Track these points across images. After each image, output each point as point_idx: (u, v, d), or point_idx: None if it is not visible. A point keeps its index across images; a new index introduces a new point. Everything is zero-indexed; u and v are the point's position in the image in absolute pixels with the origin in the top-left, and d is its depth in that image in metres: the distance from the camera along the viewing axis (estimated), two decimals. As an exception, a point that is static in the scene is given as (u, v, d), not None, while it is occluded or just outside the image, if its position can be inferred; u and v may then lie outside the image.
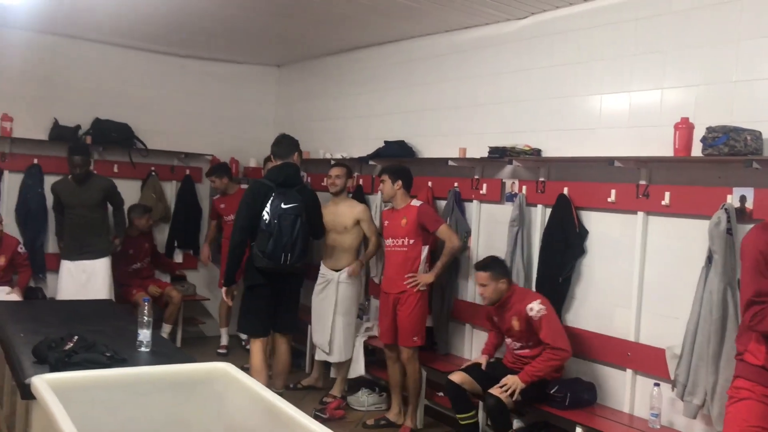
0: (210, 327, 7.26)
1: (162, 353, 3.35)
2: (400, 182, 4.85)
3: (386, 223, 4.99)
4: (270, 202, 4.51)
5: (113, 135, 6.66)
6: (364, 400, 5.36)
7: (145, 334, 3.32)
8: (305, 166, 6.92)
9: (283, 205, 4.50)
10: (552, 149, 4.58)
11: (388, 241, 4.93)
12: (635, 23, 4.16)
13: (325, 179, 5.59)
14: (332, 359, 5.48)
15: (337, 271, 5.41)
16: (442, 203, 5.31)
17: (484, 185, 5.00)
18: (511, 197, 4.80)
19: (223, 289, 4.91)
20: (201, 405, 2.98)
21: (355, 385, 5.53)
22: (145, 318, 3.33)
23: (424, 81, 5.66)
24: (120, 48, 6.81)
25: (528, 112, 4.79)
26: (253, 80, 7.61)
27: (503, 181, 4.91)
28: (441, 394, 5.07)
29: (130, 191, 6.80)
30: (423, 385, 4.98)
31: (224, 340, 6.75)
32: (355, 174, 6.25)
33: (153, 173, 6.96)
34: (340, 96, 6.68)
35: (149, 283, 6.51)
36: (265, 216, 4.48)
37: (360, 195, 6.12)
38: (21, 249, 5.93)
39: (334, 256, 5.45)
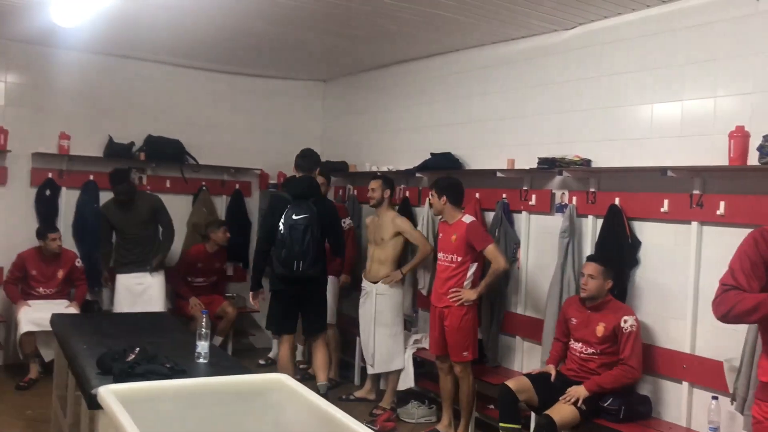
0: (259, 339, 7.35)
1: (219, 365, 3.42)
2: (445, 197, 4.84)
3: (440, 235, 5.00)
4: (284, 213, 4.79)
5: (165, 151, 6.83)
6: (414, 412, 5.37)
7: (203, 346, 3.39)
8: (351, 179, 7.03)
9: (294, 216, 4.78)
10: (602, 159, 4.55)
11: (440, 255, 4.93)
12: (687, 31, 4.12)
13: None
14: (374, 371, 5.53)
15: (375, 282, 5.45)
16: (490, 215, 5.31)
17: (533, 196, 4.98)
18: (561, 208, 4.78)
19: (250, 293, 5.21)
20: (258, 416, 3.03)
21: (405, 397, 5.54)
22: (203, 330, 3.40)
23: (470, 93, 5.68)
24: (171, 66, 6.99)
25: (577, 123, 4.77)
26: (300, 95, 7.73)
27: (553, 191, 4.89)
28: (492, 407, 5.05)
29: (182, 206, 6.97)
30: (473, 398, 4.96)
31: (273, 353, 6.79)
32: (401, 186, 6.30)
33: (204, 188, 7.10)
34: (387, 109, 6.74)
35: (206, 300, 6.49)
36: (280, 226, 4.78)
37: (407, 207, 6.15)
38: (78, 263, 6.11)
39: (372, 268, 5.51)
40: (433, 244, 5.69)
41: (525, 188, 5.07)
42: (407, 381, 5.47)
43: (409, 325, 5.89)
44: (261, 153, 7.42)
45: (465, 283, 4.76)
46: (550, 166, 4.63)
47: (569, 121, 4.83)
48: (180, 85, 7.12)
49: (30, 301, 5.85)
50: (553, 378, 4.25)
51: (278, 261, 4.81)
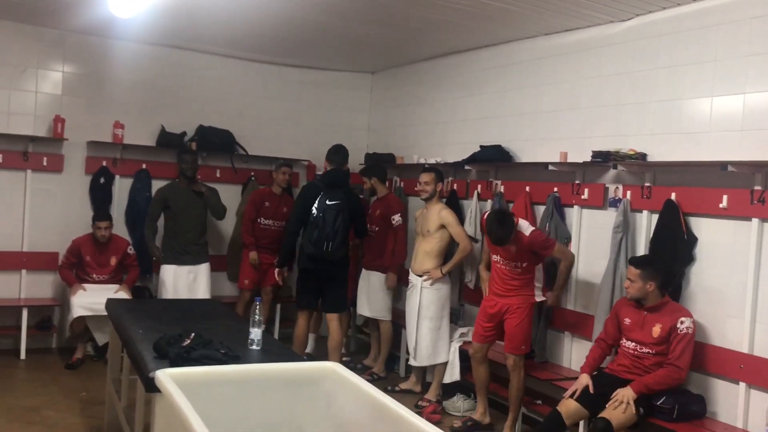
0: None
1: (272, 351, 3.44)
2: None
3: (495, 258, 4.92)
4: (318, 199, 5.25)
5: (216, 141, 6.92)
6: (459, 405, 5.35)
7: (256, 333, 3.42)
8: (398, 171, 7.02)
9: (328, 202, 5.26)
10: (658, 154, 4.45)
11: (495, 257, 4.86)
12: (749, 22, 4.00)
13: (417, 185, 5.62)
14: (417, 363, 5.53)
15: (421, 275, 5.45)
16: (540, 208, 5.25)
17: (586, 190, 4.90)
18: (614, 202, 4.70)
19: (276, 269, 5.63)
20: (311, 403, 3.06)
21: (450, 390, 5.52)
22: (257, 317, 3.43)
23: (522, 84, 5.61)
24: (223, 57, 7.08)
25: (632, 116, 4.67)
26: (348, 87, 7.75)
27: (606, 186, 4.80)
28: (539, 402, 5.01)
29: (231, 196, 7.05)
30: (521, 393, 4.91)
31: (311, 343, 6.77)
32: (449, 179, 6.28)
33: (252, 178, 7.17)
34: (435, 101, 6.70)
35: (267, 261, 6.50)
36: (314, 211, 5.25)
37: (454, 200, 6.12)
38: (130, 250, 6.23)
39: (418, 260, 5.51)
40: (481, 238, 5.67)
41: (577, 182, 4.99)
42: (453, 374, 5.45)
43: (455, 318, 5.86)
44: (308, 144, 7.45)
45: (537, 285, 4.81)
46: (604, 159, 4.55)
47: (624, 114, 4.73)
48: (231, 76, 7.20)
49: (84, 285, 5.99)
50: (591, 389, 4.13)
51: (309, 241, 5.25)
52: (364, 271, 6.26)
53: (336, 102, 7.69)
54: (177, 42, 6.70)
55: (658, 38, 4.53)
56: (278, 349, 3.58)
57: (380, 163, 6.55)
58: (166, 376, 2.71)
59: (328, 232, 5.23)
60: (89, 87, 6.58)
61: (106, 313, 5.75)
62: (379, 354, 6.34)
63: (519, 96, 5.64)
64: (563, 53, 5.25)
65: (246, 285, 6.55)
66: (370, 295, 6.12)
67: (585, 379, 4.19)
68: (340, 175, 5.52)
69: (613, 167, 4.60)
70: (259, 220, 6.57)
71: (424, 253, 5.46)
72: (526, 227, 4.66)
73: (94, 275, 6.06)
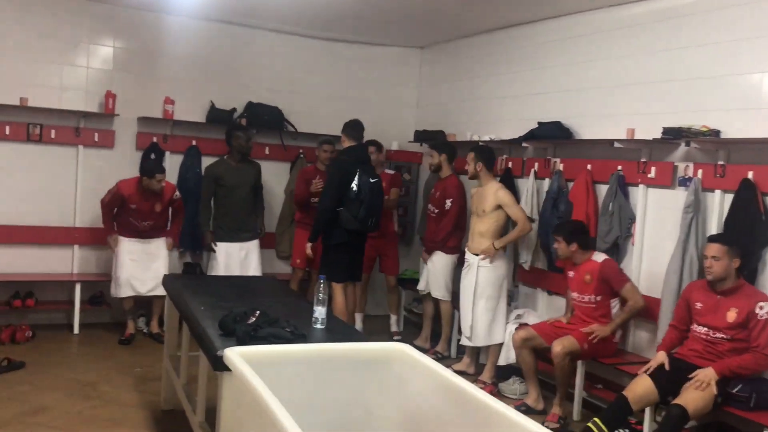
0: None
1: (336, 330, 3.36)
2: (575, 244, 4.72)
3: (571, 274, 4.82)
4: (358, 176, 5.26)
5: (265, 118, 6.83)
6: (515, 388, 5.24)
7: (320, 312, 3.34)
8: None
9: (371, 180, 5.35)
10: (733, 130, 4.24)
11: (574, 294, 4.79)
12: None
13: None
14: (473, 344, 5.43)
15: (477, 255, 5.32)
16: (603, 187, 5.07)
17: (653, 168, 4.71)
18: (684, 181, 4.50)
19: (309, 244, 5.60)
20: (379, 385, 2.96)
21: (505, 372, 5.41)
22: (321, 295, 3.35)
23: (585, 59, 5.40)
24: (272, 32, 6.97)
25: (704, 91, 4.46)
26: (396, 62, 7.59)
27: (675, 164, 4.60)
28: (600, 386, 4.87)
29: (279, 173, 6.99)
30: (581, 377, 4.78)
31: (358, 322, 6.59)
32: (504, 156, 6.12)
33: (301, 155, 7.08)
34: (488, 76, 6.52)
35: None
36: (354, 187, 5.24)
37: (509, 178, 5.96)
38: (176, 195, 6.04)
39: (474, 240, 5.40)
40: (537, 219, 5.52)
41: (643, 160, 4.79)
42: (508, 356, 5.33)
43: (510, 299, 5.73)
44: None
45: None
46: (675, 136, 4.35)
47: (695, 89, 4.51)
48: (280, 51, 7.09)
49: (125, 242, 5.89)
50: (667, 366, 3.99)
51: (355, 218, 5.28)
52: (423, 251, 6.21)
53: (385, 78, 7.55)
54: (228, 17, 6.61)
55: (734, 8, 4.31)
56: (342, 328, 3.49)
57: (452, 143, 6.32)
58: (236, 355, 2.64)
59: (374, 209, 5.36)
60: (140, 62, 6.54)
61: (150, 294, 5.91)
62: (430, 334, 6.31)
63: (582, 70, 5.43)
64: (630, 25, 5.03)
65: (298, 264, 6.49)
66: (431, 275, 6.02)
67: (662, 356, 4.06)
68: (366, 151, 5.69)
69: (686, 144, 4.40)
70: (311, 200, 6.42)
71: (479, 233, 5.33)
72: (599, 256, 4.72)
73: (140, 221, 5.89)
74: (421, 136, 7.08)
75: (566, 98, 5.56)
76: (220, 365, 2.77)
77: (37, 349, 5.59)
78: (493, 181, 5.42)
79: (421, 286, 6.24)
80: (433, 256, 5.99)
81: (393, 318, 6.76)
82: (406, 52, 7.61)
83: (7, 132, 6.04)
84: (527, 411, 4.82)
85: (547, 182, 5.58)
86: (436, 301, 6.12)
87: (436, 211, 5.97)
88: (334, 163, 5.74)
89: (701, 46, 4.49)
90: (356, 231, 5.38)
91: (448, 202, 5.84)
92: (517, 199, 5.70)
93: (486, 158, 5.41)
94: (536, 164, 5.73)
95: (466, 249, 5.52)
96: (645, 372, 4.02)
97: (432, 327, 6.36)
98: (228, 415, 2.84)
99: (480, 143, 6.18)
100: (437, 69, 7.41)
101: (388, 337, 6.55)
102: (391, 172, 6.74)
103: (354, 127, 5.59)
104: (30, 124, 6.11)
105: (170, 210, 6.09)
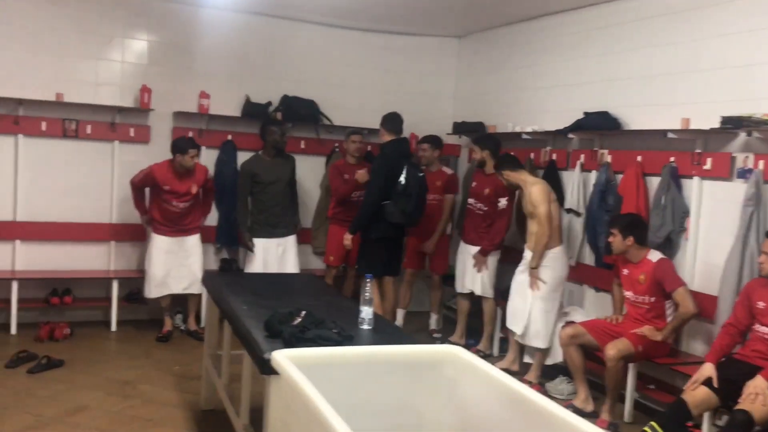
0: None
1: (384, 331, 3.24)
2: (632, 237, 4.49)
3: (625, 272, 4.61)
4: (406, 170, 5.24)
5: (301, 111, 6.72)
6: (562, 388, 5.06)
7: (367, 312, 3.21)
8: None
9: (419, 174, 5.35)
10: (798, 118, 4.01)
11: (627, 294, 4.60)
12: None
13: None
14: (528, 343, 5.23)
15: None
16: (654, 180, 4.86)
17: (709, 160, 4.49)
18: (743, 173, 4.28)
19: (350, 236, 5.51)
20: (431, 389, 2.83)
21: (551, 371, 5.24)
22: (367, 295, 3.22)
23: (632, 46, 5.18)
24: (305, 23, 6.86)
25: (764, 78, 4.23)
26: (434, 53, 7.43)
27: (733, 155, 4.39)
28: (652, 386, 4.69)
29: (315, 167, 6.89)
30: (633, 378, 4.59)
31: (399, 319, 6.44)
32: (547, 148, 5.94)
33: (336, 149, 6.95)
34: (530, 66, 6.32)
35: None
36: (402, 181, 5.22)
37: (553, 171, 5.77)
38: (210, 175, 6.03)
39: (531, 239, 5.17)
40: (584, 213, 5.33)
41: (698, 151, 4.58)
42: (555, 356, 5.16)
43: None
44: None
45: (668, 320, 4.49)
46: (735, 125, 4.13)
47: (754, 76, 4.29)
48: (315, 43, 6.97)
49: (158, 240, 5.85)
50: (715, 382, 3.74)
51: (403, 211, 5.25)
52: (464, 245, 5.99)
53: (421, 69, 7.38)
54: (263, 9, 6.51)
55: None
56: (390, 329, 3.37)
57: (494, 136, 6.12)
58: (284, 359, 2.53)
59: (420, 204, 5.38)
60: (174, 56, 6.47)
61: (186, 292, 5.87)
62: (465, 330, 6.18)
63: (631, 58, 5.20)
64: (681, 11, 4.80)
65: (331, 261, 6.33)
66: (474, 272, 5.84)
67: (708, 370, 3.78)
68: (408, 145, 5.71)
69: (748, 134, 4.18)
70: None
71: (532, 232, 5.15)
72: (654, 255, 4.49)
73: (174, 203, 5.79)
74: (460, 127, 6.91)
75: (612, 87, 5.35)
76: (267, 368, 2.66)
77: (75, 346, 5.57)
78: (530, 178, 5.21)
79: (459, 286, 6.04)
80: (476, 253, 5.82)
81: (434, 317, 6.59)
82: (444, 42, 7.44)
83: (44, 128, 6.01)
84: (576, 413, 4.63)
85: (594, 175, 5.38)
86: (471, 297, 5.97)
87: (485, 208, 5.75)
88: (379, 157, 5.62)
89: (759, 29, 4.26)
90: (398, 225, 5.36)
91: (503, 201, 5.62)
92: (562, 193, 5.52)
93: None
94: (582, 156, 5.53)
95: (525, 247, 5.28)
96: (691, 388, 3.78)
97: (465, 323, 6.20)
98: (276, 419, 2.73)
99: (523, 135, 6.01)
100: (476, 59, 7.23)
101: (427, 335, 6.42)
102: (449, 171, 6.43)
103: (393, 121, 5.51)
104: (65, 120, 6.08)
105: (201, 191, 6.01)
